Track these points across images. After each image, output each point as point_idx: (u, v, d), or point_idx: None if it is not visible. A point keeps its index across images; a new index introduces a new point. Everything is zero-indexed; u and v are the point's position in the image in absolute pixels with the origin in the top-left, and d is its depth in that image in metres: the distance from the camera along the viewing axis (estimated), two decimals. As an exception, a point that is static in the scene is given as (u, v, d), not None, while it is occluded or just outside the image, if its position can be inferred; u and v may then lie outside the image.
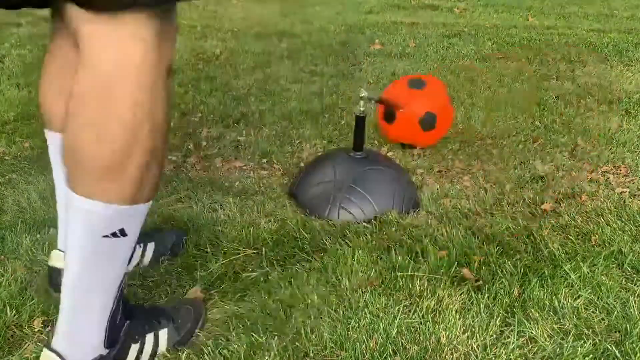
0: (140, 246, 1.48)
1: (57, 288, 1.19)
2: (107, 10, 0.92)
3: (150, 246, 1.51)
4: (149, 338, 1.19)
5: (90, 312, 1.07)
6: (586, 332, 1.30)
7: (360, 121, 1.87)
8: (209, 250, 1.58)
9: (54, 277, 1.32)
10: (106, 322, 1.09)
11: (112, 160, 0.97)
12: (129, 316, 1.15)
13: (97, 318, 1.08)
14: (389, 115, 2.20)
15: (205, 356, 1.22)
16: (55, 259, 1.35)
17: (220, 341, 1.26)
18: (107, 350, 1.11)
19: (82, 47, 0.95)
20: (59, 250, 1.35)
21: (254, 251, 1.58)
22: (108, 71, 0.94)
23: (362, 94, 1.85)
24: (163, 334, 1.22)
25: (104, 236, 1.01)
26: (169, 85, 1.01)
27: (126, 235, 1.03)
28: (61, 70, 1.20)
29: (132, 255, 1.11)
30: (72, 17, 0.95)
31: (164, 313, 1.25)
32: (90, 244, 1.02)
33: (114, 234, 1.02)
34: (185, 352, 1.22)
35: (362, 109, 1.86)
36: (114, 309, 1.09)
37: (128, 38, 0.94)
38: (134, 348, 1.17)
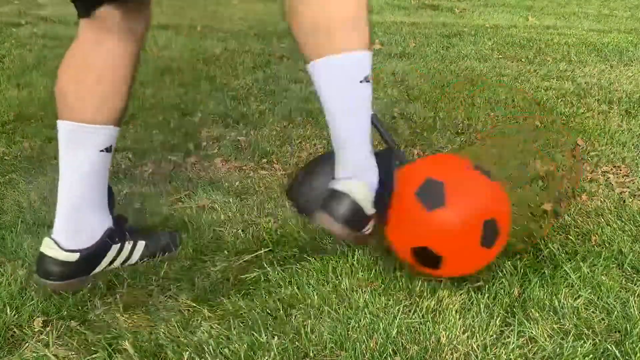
0: (130, 243, 1.49)
1: (44, 275, 1.37)
2: None
3: (141, 244, 1.51)
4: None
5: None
6: (586, 332, 1.30)
7: None
8: (208, 250, 1.58)
9: (42, 264, 1.38)
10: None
11: (358, 11, 1.18)
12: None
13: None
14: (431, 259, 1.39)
15: (207, 355, 1.22)
16: (46, 246, 1.38)
17: (221, 340, 1.26)
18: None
19: None
20: (51, 238, 1.38)
21: (254, 251, 1.58)
22: None
23: None
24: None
25: (360, 82, 1.19)
26: None
27: (369, 81, 1.22)
28: (84, 61, 1.34)
29: (120, 251, 1.43)
30: None
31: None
32: (349, 89, 1.20)
33: (365, 79, 1.20)
34: (187, 352, 1.22)
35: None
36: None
37: None
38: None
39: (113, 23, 1.32)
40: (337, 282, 1.45)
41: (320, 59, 1.17)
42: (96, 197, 1.39)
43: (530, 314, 1.35)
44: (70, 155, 1.34)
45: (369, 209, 1.29)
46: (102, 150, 1.34)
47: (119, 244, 1.45)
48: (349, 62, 1.18)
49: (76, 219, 1.37)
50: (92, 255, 1.40)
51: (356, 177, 1.26)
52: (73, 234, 1.37)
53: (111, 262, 1.45)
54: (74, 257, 1.37)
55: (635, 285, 1.46)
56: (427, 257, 1.37)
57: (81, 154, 1.33)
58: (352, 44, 1.17)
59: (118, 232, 1.45)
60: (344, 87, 1.20)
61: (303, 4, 1.17)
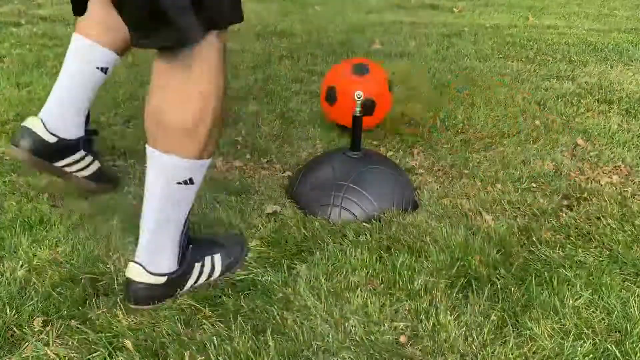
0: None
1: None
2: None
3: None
4: (208, 260, 1.48)
5: (167, 236, 1.38)
6: (586, 331, 1.30)
7: (357, 121, 1.87)
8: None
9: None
10: (178, 245, 1.39)
11: (192, 124, 1.27)
12: (192, 243, 1.45)
13: (171, 242, 1.38)
14: (330, 96, 2.32)
15: (209, 353, 1.22)
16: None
17: (222, 338, 1.26)
18: (177, 267, 1.41)
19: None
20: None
21: (254, 251, 1.59)
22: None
23: (359, 95, 1.85)
24: (218, 257, 1.50)
25: (177, 183, 1.32)
26: (226, 67, 1.32)
27: (193, 183, 1.34)
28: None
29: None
30: None
31: (216, 241, 1.55)
32: (167, 189, 1.33)
33: (185, 182, 1.33)
34: (189, 351, 1.22)
35: (358, 109, 1.86)
36: (183, 234, 1.40)
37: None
38: (197, 267, 1.46)
39: None
40: (337, 281, 1.45)
41: (152, 148, 1.31)
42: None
43: (530, 314, 1.35)
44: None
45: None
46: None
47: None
48: (171, 163, 1.30)
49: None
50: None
51: (144, 263, 1.37)
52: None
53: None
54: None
55: (635, 285, 1.47)
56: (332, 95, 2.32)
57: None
58: (180, 150, 1.29)
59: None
60: (160, 182, 1.33)
61: (153, 100, 1.31)
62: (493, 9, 5.51)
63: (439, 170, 2.12)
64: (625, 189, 1.97)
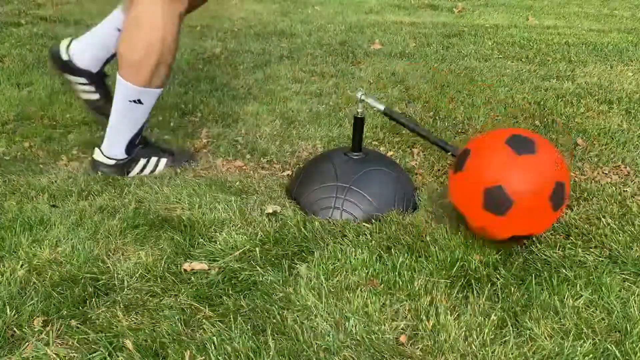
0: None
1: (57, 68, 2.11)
2: None
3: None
4: (154, 159, 2.06)
5: (120, 134, 1.98)
6: (586, 331, 1.30)
7: (358, 122, 1.87)
8: (209, 250, 1.58)
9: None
10: (127, 141, 1.98)
11: (137, 61, 1.84)
12: (146, 145, 2.07)
13: (123, 138, 1.98)
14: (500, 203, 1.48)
15: (209, 353, 1.22)
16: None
17: (222, 338, 1.26)
18: (125, 156, 2.00)
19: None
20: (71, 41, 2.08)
21: (255, 251, 1.59)
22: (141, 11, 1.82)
23: (360, 95, 1.85)
24: (163, 161, 2.07)
25: (129, 101, 1.90)
26: (179, 24, 1.85)
27: (142, 103, 1.92)
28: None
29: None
30: None
31: (167, 150, 2.13)
32: (123, 103, 1.92)
33: (134, 101, 1.91)
34: (189, 350, 1.22)
35: (360, 110, 1.86)
36: (136, 135, 1.99)
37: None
38: (142, 161, 2.04)
39: None
40: (337, 281, 1.45)
41: (118, 74, 1.88)
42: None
43: (530, 314, 1.35)
44: None
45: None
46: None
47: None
48: (124, 87, 1.88)
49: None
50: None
51: (103, 148, 2.01)
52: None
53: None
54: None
55: (635, 285, 1.47)
56: (498, 199, 1.45)
57: None
58: (131, 78, 1.86)
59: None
60: (118, 98, 1.92)
61: (123, 35, 1.89)
62: (493, 9, 5.52)
63: (439, 170, 2.12)
64: (625, 189, 1.97)
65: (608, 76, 3.26)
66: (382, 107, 1.86)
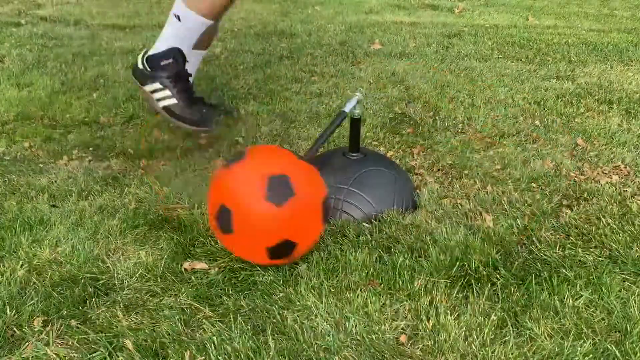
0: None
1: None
2: None
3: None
4: (172, 91, 2.22)
5: (164, 39, 2.21)
6: (586, 331, 1.30)
7: (355, 123, 1.87)
8: (209, 250, 1.58)
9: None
10: (165, 47, 2.22)
11: None
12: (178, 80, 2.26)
13: (166, 43, 2.21)
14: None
15: (209, 353, 1.22)
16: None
17: (222, 338, 1.26)
18: (161, 52, 2.22)
19: None
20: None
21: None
22: None
23: (358, 96, 1.85)
24: (173, 101, 2.23)
25: (173, 14, 2.15)
26: None
27: (180, 21, 2.15)
28: None
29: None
30: None
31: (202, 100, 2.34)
32: (171, 14, 2.17)
33: (175, 15, 2.15)
34: (189, 350, 1.22)
35: (357, 111, 1.86)
36: (167, 50, 2.21)
37: None
38: (157, 85, 2.21)
39: None
40: (336, 281, 1.45)
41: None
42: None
43: (530, 314, 1.35)
44: None
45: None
46: None
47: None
48: (175, 6, 2.15)
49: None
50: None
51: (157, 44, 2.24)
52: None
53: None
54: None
55: (635, 285, 1.46)
56: (284, 249, 1.44)
57: None
58: (194, 8, 2.12)
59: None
60: (171, 11, 2.16)
61: None
62: (493, 9, 5.52)
63: (439, 170, 2.12)
64: (625, 189, 1.97)
65: (608, 76, 3.26)
66: (346, 110, 1.81)
